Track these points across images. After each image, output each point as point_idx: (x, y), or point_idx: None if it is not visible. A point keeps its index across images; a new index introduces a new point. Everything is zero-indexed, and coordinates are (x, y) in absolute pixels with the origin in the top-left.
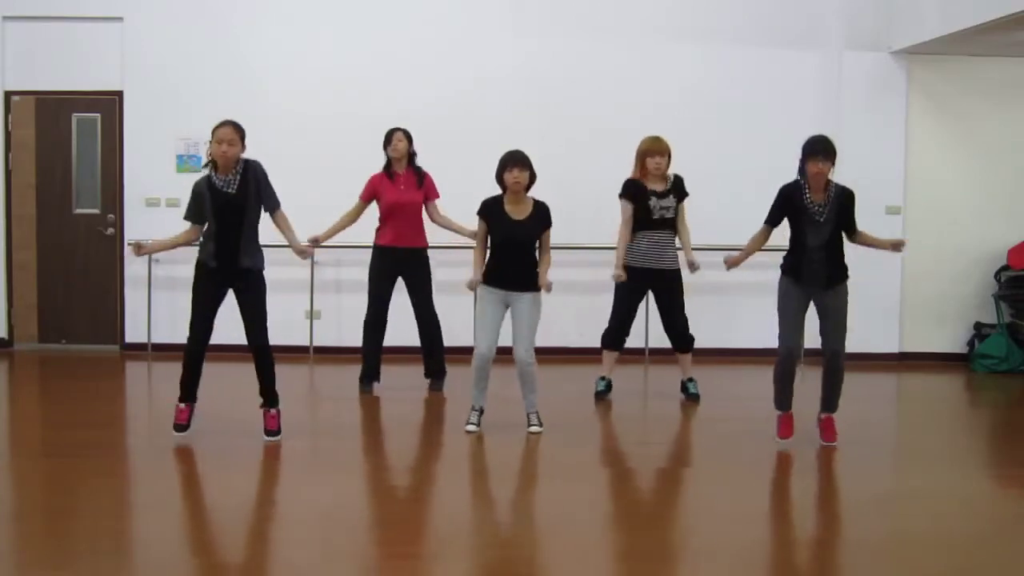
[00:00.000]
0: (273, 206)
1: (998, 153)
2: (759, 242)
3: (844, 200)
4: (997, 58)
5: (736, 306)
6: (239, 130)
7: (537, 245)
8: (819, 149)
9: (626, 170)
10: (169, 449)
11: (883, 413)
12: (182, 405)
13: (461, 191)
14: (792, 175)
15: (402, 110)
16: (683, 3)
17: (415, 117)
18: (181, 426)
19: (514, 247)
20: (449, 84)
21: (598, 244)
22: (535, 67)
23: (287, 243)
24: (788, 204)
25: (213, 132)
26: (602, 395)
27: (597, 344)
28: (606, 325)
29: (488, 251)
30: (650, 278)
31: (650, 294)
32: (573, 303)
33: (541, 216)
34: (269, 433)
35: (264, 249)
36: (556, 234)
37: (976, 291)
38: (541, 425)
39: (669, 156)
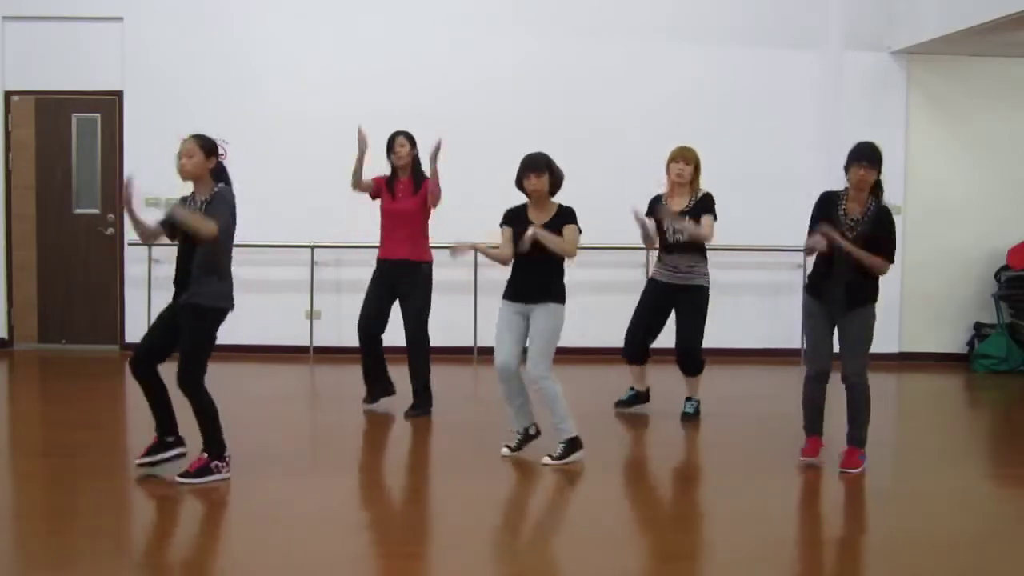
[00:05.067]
0: (211, 216)
1: (998, 153)
2: None
3: (882, 220)
4: (997, 58)
5: (739, 306)
6: (199, 141)
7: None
8: (863, 155)
9: (626, 170)
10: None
11: (883, 413)
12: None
13: (462, 191)
14: (792, 175)
15: (402, 110)
16: (683, 3)
17: (415, 117)
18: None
19: (532, 254)
20: (449, 84)
21: (598, 244)
22: (535, 67)
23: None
24: (825, 209)
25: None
26: (623, 403)
27: (599, 344)
28: (608, 325)
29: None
30: (674, 292)
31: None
32: (574, 303)
33: (562, 220)
34: (184, 473)
35: (264, 249)
36: None
37: (976, 291)
38: (558, 458)
39: (696, 165)
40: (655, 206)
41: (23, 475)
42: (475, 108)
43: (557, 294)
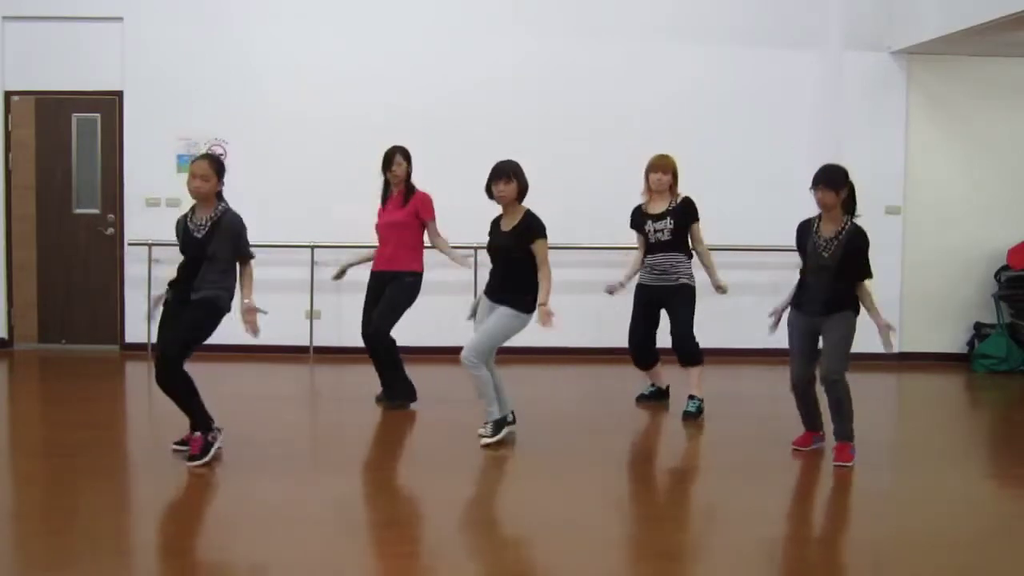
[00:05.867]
0: (244, 256)
1: (998, 153)
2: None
3: (855, 242)
4: (997, 58)
5: (739, 306)
6: (214, 164)
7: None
8: (818, 179)
9: (626, 170)
10: (168, 449)
11: (883, 413)
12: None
13: (461, 191)
14: (792, 175)
15: (402, 111)
16: (683, 3)
17: (415, 118)
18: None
19: (495, 256)
20: (449, 84)
21: (597, 244)
22: (535, 67)
23: (243, 295)
24: (801, 237)
25: (190, 165)
26: (644, 399)
27: (595, 344)
28: (608, 325)
29: None
30: (661, 294)
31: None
32: (572, 303)
33: (524, 227)
34: (190, 458)
35: (264, 249)
36: (555, 234)
37: (976, 291)
38: (492, 435)
39: (674, 173)
40: (634, 219)
41: (23, 475)
42: (475, 108)
43: (514, 300)
